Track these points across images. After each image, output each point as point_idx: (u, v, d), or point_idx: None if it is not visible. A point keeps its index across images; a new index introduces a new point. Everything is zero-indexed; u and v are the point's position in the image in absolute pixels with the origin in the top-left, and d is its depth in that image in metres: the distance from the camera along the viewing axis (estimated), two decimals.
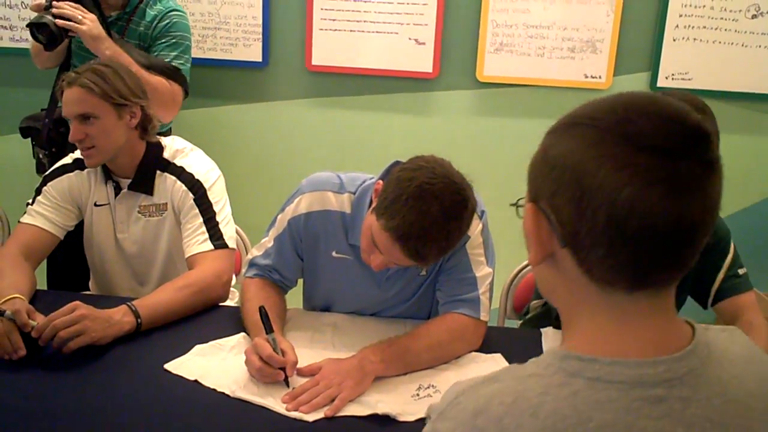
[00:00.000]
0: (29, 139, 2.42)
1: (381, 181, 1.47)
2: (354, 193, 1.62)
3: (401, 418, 1.30)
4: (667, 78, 2.83)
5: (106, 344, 1.50)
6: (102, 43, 2.19)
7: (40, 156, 2.36)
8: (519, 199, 0.81)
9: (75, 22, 2.17)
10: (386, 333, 1.58)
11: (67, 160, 1.94)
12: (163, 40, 2.38)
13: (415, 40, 2.83)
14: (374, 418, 1.31)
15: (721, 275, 1.68)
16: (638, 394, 0.65)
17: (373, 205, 1.46)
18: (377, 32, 2.83)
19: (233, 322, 1.66)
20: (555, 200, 0.69)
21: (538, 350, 1.62)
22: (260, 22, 2.85)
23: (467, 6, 2.81)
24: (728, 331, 0.77)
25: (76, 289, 2.46)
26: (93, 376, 1.42)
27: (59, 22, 2.16)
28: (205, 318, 1.71)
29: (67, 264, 2.47)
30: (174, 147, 1.94)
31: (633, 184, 0.63)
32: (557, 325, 1.69)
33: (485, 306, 1.59)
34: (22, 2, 2.94)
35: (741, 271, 1.69)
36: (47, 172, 1.93)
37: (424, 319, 1.73)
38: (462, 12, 2.82)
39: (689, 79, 2.82)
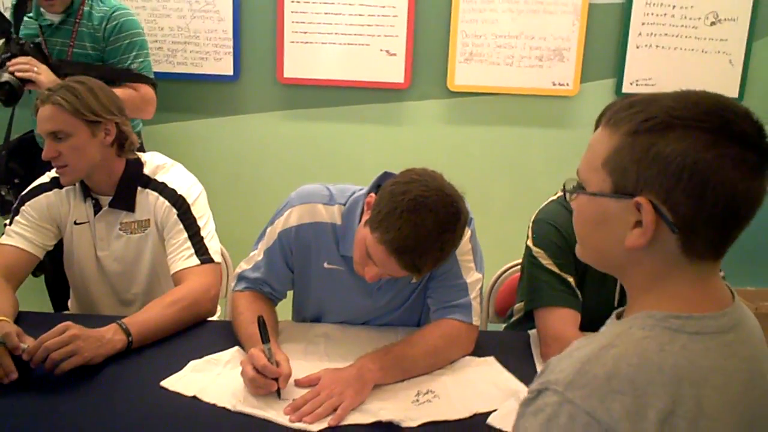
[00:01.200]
0: None
1: (373, 194, 1.49)
2: (344, 205, 1.63)
3: (404, 424, 1.31)
4: (631, 84, 2.92)
5: (98, 364, 1.48)
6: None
7: (3, 193, 2.34)
8: (565, 185, 0.91)
9: (32, 73, 2.19)
10: (378, 341, 1.59)
11: (44, 179, 1.91)
12: (117, 44, 2.39)
13: (387, 51, 2.86)
14: (377, 425, 1.32)
15: None
16: (721, 340, 0.81)
17: (366, 217, 1.47)
18: (348, 44, 2.86)
19: (223, 337, 1.65)
20: (673, 195, 0.79)
21: (527, 352, 1.66)
22: (231, 35, 2.85)
23: (437, 17, 2.86)
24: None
25: (55, 309, 2.42)
26: (88, 396, 1.39)
27: (19, 74, 2.18)
28: (194, 333, 1.69)
29: (49, 284, 2.43)
30: (154, 163, 1.92)
31: (745, 179, 0.78)
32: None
33: (476, 311, 1.61)
34: None
35: (721, 274, 1.74)
36: (24, 192, 1.89)
37: (413, 325, 1.75)
38: (432, 23, 2.86)
39: (653, 85, 2.91)
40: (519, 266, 2.17)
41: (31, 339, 1.45)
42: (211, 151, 2.97)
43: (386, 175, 1.60)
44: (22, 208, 1.85)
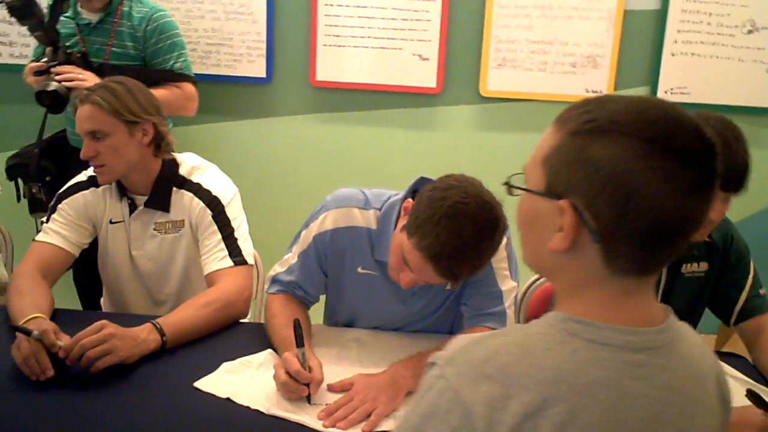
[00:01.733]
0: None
1: (410, 200, 1.48)
2: (380, 210, 1.63)
3: None
4: (666, 92, 2.88)
5: (132, 363, 1.49)
6: None
7: (34, 191, 2.36)
8: (509, 179, 0.86)
9: (78, 81, 2.22)
10: (410, 347, 1.59)
11: (81, 177, 1.93)
12: (159, 45, 2.44)
13: (419, 55, 2.85)
14: None
15: (744, 295, 1.70)
16: (625, 357, 0.76)
17: (402, 222, 1.47)
18: (381, 48, 2.86)
19: (256, 339, 1.66)
20: (594, 201, 0.75)
21: None
22: (264, 38, 2.86)
23: (470, 22, 2.84)
24: (687, 325, 0.87)
25: (87, 307, 2.45)
26: (122, 395, 1.41)
27: (66, 84, 2.21)
28: (226, 335, 1.70)
29: (78, 282, 2.46)
30: (190, 164, 1.93)
31: (675, 195, 0.73)
32: None
33: (511, 319, 1.60)
34: None
35: (762, 291, 1.71)
36: (61, 190, 1.91)
37: (446, 332, 1.74)
38: (465, 28, 2.85)
39: (687, 93, 2.87)
40: None
41: (67, 337, 1.46)
42: (243, 153, 2.99)
43: (422, 180, 1.60)
44: (59, 206, 1.87)
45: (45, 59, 2.26)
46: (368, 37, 2.85)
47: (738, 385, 1.59)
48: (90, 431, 1.29)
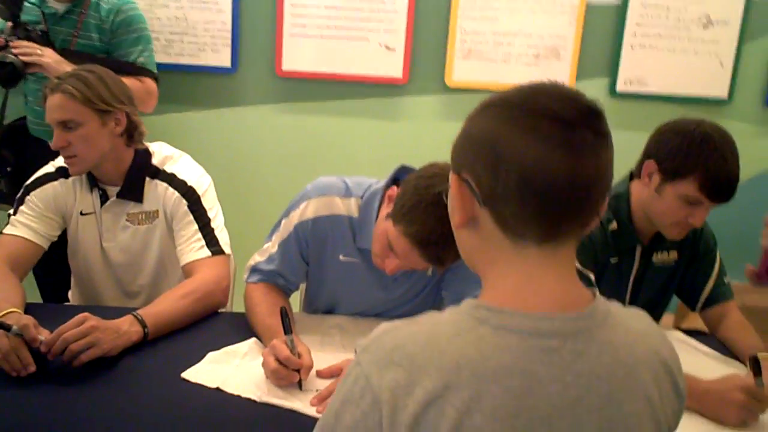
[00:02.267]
0: None
1: (394, 187, 1.49)
2: (361, 198, 1.63)
3: None
4: (625, 83, 2.96)
5: (115, 356, 1.46)
6: (66, 66, 2.17)
7: None
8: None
9: (37, 57, 2.16)
10: None
11: (49, 168, 1.88)
12: (125, 37, 2.38)
13: (386, 46, 2.86)
14: None
15: (710, 283, 1.78)
16: (534, 343, 0.76)
17: (387, 210, 1.48)
18: (348, 38, 2.85)
19: (237, 328, 1.65)
20: (474, 168, 0.80)
21: None
22: (229, 27, 2.82)
23: (437, 13, 2.87)
24: (633, 311, 0.87)
25: (49, 300, 2.39)
26: (108, 389, 1.38)
27: (24, 58, 2.15)
28: (207, 325, 1.69)
29: (38, 275, 2.39)
30: (162, 153, 1.90)
31: (537, 147, 0.75)
32: None
33: None
34: None
35: (726, 280, 1.79)
36: (29, 182, 1.86)
37: None
38: (431, 19, 2.87)
39: (645, 84, 2.95)
40: None
41: (46, 331, 1.42)
42: (208, 143, 2.95)
43: (403, 169, 1.61)
44: (27, 197, 1.82)
45: (3, 35, 2.18)
46: (335, 27, 2.84)
47: (710, 360, 1.67)
48: (78, 426, 1.26)
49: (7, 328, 1.38)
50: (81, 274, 1.95)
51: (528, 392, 0.74)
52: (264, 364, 1.40)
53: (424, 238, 1.37)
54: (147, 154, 1.87)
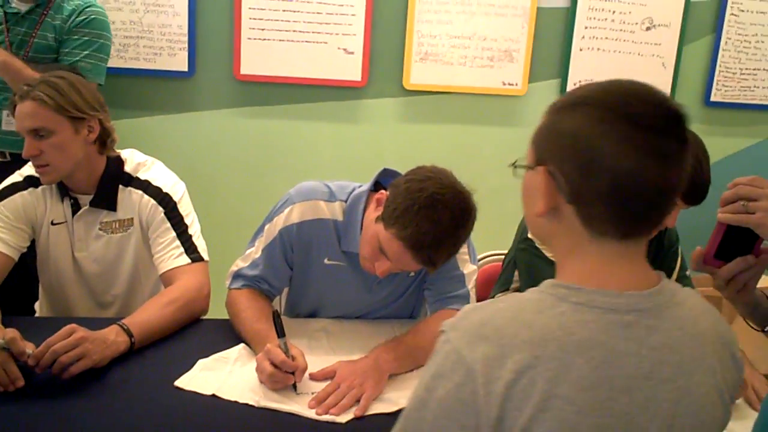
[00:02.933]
0: None
1: (383, 191, 1.52)
2: (345, 201, 1.66)
3: None
4: (575, 84, 3.08)
5: (103, 367, 1.44)
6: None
7: None
8: (516, 161, 0.94)
9: None
10: (378, 333, 1.64)
11: (17, 177, 1.83)
12: (75, 37, 2.32)
13: (344, 49, 2.89)
14: (400, 413, 1.36)
15: (674, 276, 1.88)
16: (611, 318, 0.82)
17: (376, 214, 1.51)
18: (306, 41, 2.87)
19: (221, 335, 1.65)
20: (564, 165, 0.84)
21: None
22: (186, 31, 2.79)
23: (394, 17, 2.91)
24: (690, 291, 0.94)
25: (8, 313, 2.30)
26: (100, 400, 1.36)
27: None
28: (191, 332, 1.68)
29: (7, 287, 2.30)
30: (135, 160, 1.88)
31: (630, 156, 0.80)
32: None
33: (473, 300, 1.68)
34: None
35: (688, 273, 1.90)
36: None
37: (406, 317, 1.80)
38: (389, 23, 2.92)
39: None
40: (487, 258, 2.27)
41: (31, 344, 1.39)
42: (165, 148, 2.89)
43: (386, 172, 1.65)
44: None
45: None
46: (293, 30, 2.85)
47: None
48: None
49: None
50: (52, 286, 1.90)
51: (608, 364, 0.79)
52: (259, 369, 1.41)
53: (417, 241, 1.41)
54: (119, 162, 1.84)
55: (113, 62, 2.76)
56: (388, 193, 1.50)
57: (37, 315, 2.01)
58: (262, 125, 2.97)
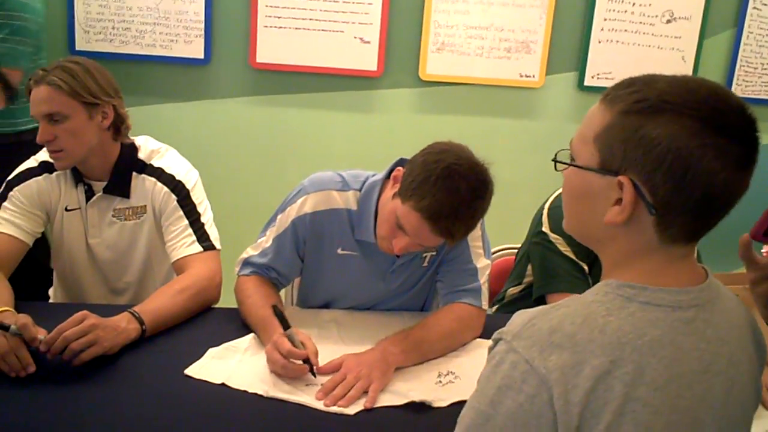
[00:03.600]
0: None
1: (400, 168, 1.51)
2: (359, 190, 1.65)
3: (435, 404, 1.35)
4: (592, 77, 3.04)
5: (114, 354, 1.45)
6: None
7: None
8: (556, 155, 0.92)
9: None
10: (388, 325, 1.63)
11: (32, 163, 1.83)
12: None
13: (361, 38, 2.87)
14: (410, 405, 1.36)
15: None
16: (677, 315, 0.83)
17: (394, 190, 1.50)
18: (323, 30, 2.86)
19: (232, 323, 1.65)
20: (654, 177, 0.80)
21: None
22: (202, 18, 2.79)
23: (411, 6, 2.89)
24: (719, 282, 0.94)
25: (35, 298, 2.32)
26: (110, 387, 1.37)
27: None
28: (202, 321, 1.68)
29: (24, 272, 2.32)
30: (149, 147, 1.88)
31: (726, 169, 0.79)
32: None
33: (485, 295, 1.67)
34: None
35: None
36: (11, 177, 1.81)
37: (418, 309, 1.80)
38: (406, 12, 2.90)
39: (612, 78, 3.04)
40: (499, 252, 2.26)
41: (43, 330, 1.40)
42: (180, 136, 2.90)
43: (401, 161, 1.64)
44: (11, 193, 1.78)
45: None
46: (310, 19, 2.84)
47: None
48: (83, 425, 1.25)
49: (5, 327, 1.36)
50: (65, 272, 1.92)
51: (676, 361, 0.80)
52: (271, 362, 1.41)
53: (435, 212, 1.40)
54: (133, 149, 1.84)
55: (130, 48, 2.77)
56: (404, 169, 1.49)
57: (51, 301, 2.03)
58: (277, 113, 2.96)
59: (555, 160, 0.91)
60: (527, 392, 0.78)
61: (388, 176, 1.62)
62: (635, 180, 0.81)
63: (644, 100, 0.81)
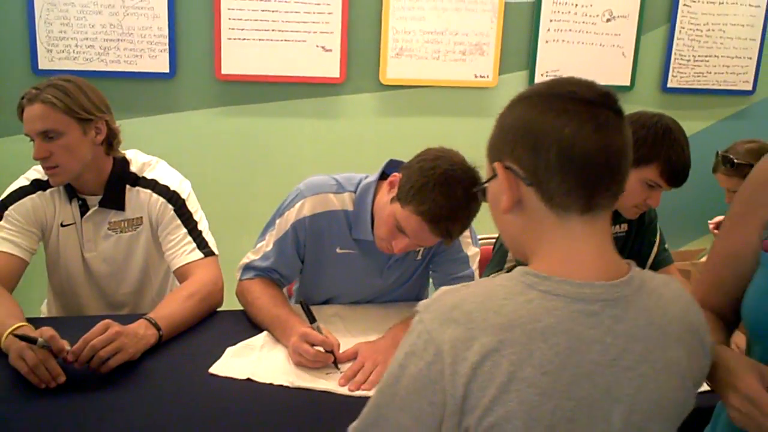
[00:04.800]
0: None
1: (396, 174, 1.61)
2: (354, 192, 1.74)
3: None
4: (542, 75, 3.22)
5: (136, 360, 1.50)
6: None
7: None
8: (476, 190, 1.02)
9: None
10: (388, 315, 1.75)
11: (23, 182, 1.85)
12: None
13: (322, 47, 2.96)
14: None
15: (654, 250, 2.03)
16: (578, 307, 0.86)
17: (389, 196, 1.60)
18: (285, 40, 2.93)
19: (239, 325, 1.73)
20: (515, 153, 0.90)
21: None
22: (166, 32, 2.82)
23: (369, 14, 3.00)
24: (665, 278, 0.97)
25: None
26: (140, 391, 1.42)
27: None
28: (210, 324, 1.74)
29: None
30: (139, 160, 1.93)
31: (570, 123, 0.87)
32: None
33: (478, 280, 1.79)
34: None
35: (666, 247, 2.06)
36: (3, 196, 1.83)
37: (413, 300, 1.91)
38: (365, 20, 3.00)
39: (560, 75, 3.22)
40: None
41: (65, 341, 1.44)
42: (148, 149, 2.89)
43: (392, 162, 1.74)
44: (6, 213, 1.79)
45: None
46: (272, 30, 2.91)
47: None
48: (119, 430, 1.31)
49: (32, 340, 1.39)
50: (62, 287, 1.94)
51: (572, 351, 0.84)
52: (298, 351, 1.49)
53: (435, 215, 1.51)
54: (125, 162, 1.88)
55: (94, 65, 2.79)
56: (400, 175, 1.59)
57: (44, 316, 2.04)
58: (244, 123, 3.02)
59: (479, 191, 1.03)
60: (426, 360, 0.85)
61: (380, 177, 1.72)
62: (504, 163, 0.92)
63: (509, 103, 0.95)
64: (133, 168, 1.90)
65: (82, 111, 1.73)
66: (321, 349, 1.50)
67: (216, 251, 1.89)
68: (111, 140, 1.84)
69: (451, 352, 0.83)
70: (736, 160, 2.49)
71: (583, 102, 0.87)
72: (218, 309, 1.84)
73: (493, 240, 2.29)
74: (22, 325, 1.50)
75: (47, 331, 1.42)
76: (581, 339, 0.84)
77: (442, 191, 1.50)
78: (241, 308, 1.80)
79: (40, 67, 2.75)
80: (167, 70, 2.87)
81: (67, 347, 1.42)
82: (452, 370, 0.83)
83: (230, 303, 1.85)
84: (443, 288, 0.91)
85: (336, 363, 1.50)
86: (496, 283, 0.89)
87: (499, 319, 0.84)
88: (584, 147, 0.86)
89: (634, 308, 0.88)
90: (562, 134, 0.86)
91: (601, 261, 0.91)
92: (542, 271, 0.88)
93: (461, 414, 0.84)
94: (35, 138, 1.71)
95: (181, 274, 1.83)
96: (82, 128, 1.75)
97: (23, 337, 1.40)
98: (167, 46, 2.84)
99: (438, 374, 0.84)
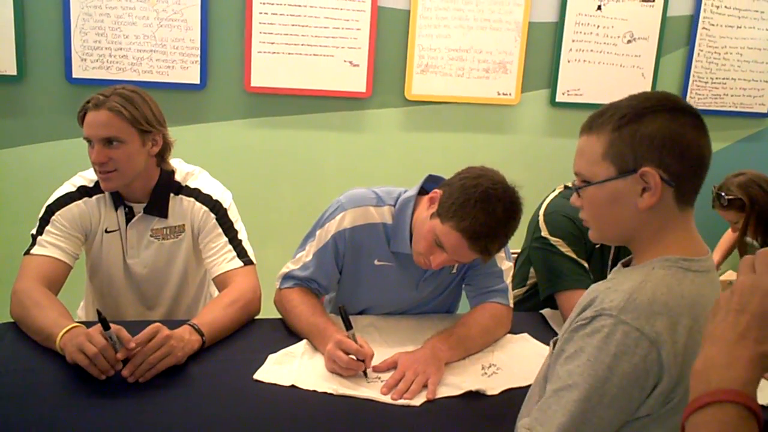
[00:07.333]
0: None
1: (437, 190, 1.66)
2: (393, 206, 1.79)
3: (489, 392, 1.51)
4: (563, 94, 3.28)
5: (181, 365, 1.54)
6: None
7: None
8: (573, 183, 1.19)
9: None
10: (422, 327, 1.79)
11: (69, 188, 1.90)
12: None
13: (350, 62, 3.02)
14: (466, 395, 1.51)
15: None
16: (710, 277, 1.10)
17: (429, 212, 1.65)
18: (314, 55, 2.99)
19: (279, 333, 1.77)
20: (662, 159, 1.07)
21: (545, 328, 1.91)
22: (198, 44, 2.88)
23: (396, 31, 3.07)
24: None
25: None
26: (188, 395, 1.46)
27: None
28: (248, 331, 1.78)
29: None
30: (183, 170, 1.98)
31: (701, 137, 1.10)
32: (551, 306, 1.99)
33: (511, 295, 1.84)
34: None
35: None
36: (51, 201, 1.88)
37: (445, 312, 1.95)
38: (392, 37, 3.07)
39: (580, 95, 3.29)
40: None
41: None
42: (178, 158, 2.98)
43: (431, 178, 1.79)
44: (53, 218, 1.84)
45: None
46: (301, 44, 2.97)
47: None
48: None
49: (106, 326, 1.45)
50: (102, 291, 1.99)
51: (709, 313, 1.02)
52: (333, 359, 1.53)
53: (475, 232, 1.55)
54: (171, 172, 1.94)
55: (127, 75, 2.85)
56: (441, 191, 1.64)
57: (79, 320, 2.08)
58: (271, 135, 3.08)
59: (576, 189, 1.16)
60: (640, 354, 1.01)
61: (419, 193, 1.77)
62: (652, 168, 1.07)
63: (625, 116, 1.09)
64: (178, 177, 1.95)
65: (145, 123, 1.79)
66: (354, 357, 1.54)
67: (254, 260, 1.94)
68: (164, 153, 1.89)
69: (669, 339, 1.01)
70: (727, 197, 2.62)
71: (696, 116, 1.10)
72: (256, 317, 1.89)
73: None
74: (76, 326, 1.54)
75: (115, 328, 1.47)
76: (712, 302, 1.00)
77: (483, 208, 1.55)
78: (278, 316, 1.85)
79: (73, 76, 2.82)
80: (198, 82, 2.93)
81: (132, 344, 1.46)
82: (673, 354, 1.01)
83: (266, 311, 1.90)
84: (605, 291, 1.08)
85: (365, 372, 1.54)
86: (662, 274, 1.07)
87: (685, 301, 1.04)
88: (708, 154, 1.10)
89: (714, 272, 1.14)
90: (699, 145, 1.09)
91: (699, 239, 1.14)
92: (682, 255, 1.09)
93: (675, 386, 1.02)
94: (96, 143, 1.76)
95: (221, 282, 1.87)
96: (142, 139, 1.80)
97: (101, 319, 1.45)
98: (198, 58, 2.90)
99: (653, 362, 1.01)
